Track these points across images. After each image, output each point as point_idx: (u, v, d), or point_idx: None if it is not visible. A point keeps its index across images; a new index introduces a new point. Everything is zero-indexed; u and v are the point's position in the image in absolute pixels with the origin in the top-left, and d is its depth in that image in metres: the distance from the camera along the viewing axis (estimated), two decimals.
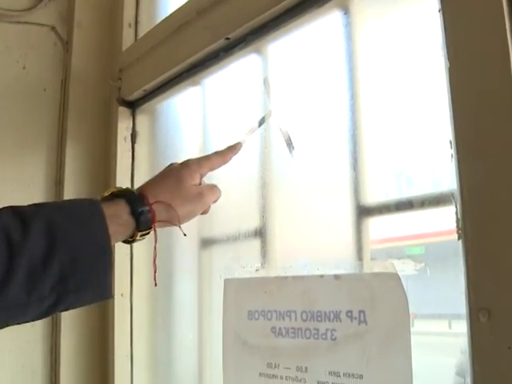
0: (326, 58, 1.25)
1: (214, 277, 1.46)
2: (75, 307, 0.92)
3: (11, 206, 0.88)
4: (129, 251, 1.71)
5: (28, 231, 0.82)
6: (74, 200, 0.98)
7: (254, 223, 1.34)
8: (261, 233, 1.32)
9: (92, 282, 0.89)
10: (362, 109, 1.16)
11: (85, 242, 0.87)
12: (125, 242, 1.03)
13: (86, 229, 0.88)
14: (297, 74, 1.30)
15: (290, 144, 1.26)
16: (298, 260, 1.22)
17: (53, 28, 1.89)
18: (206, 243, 1.52)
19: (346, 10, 1.21)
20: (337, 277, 1.07)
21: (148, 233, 1.04)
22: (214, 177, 1.46)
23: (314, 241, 1.20)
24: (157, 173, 1.17)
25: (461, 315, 0.88)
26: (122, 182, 1.72)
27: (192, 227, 1.54)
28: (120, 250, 1.68)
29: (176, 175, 1.11)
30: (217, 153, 1.21)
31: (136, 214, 0.99)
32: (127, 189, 1.05)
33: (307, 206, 1.23)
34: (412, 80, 1.09)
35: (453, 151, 0.90)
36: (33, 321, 0.87)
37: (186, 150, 1.64)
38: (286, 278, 1.16)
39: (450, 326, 1.10)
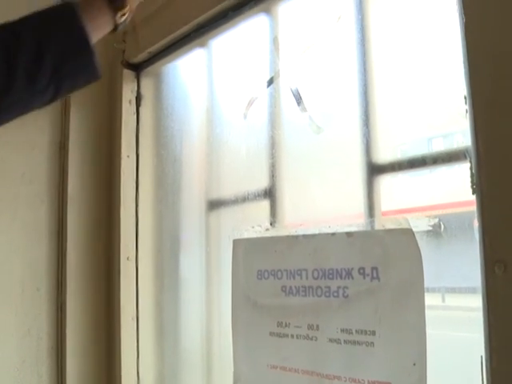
0: (336, 17, 1.23)
1: (222, 238, 1.46)
2: (73, 91, 1.10)
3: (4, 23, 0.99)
4: (134, 214, 1.70)
5: (19, 38, 0.96)
6: (54, 8, 1.05)
7: (263, 183, 1.33)
8: (270, 192, 1.31)
9: (80, 69, 1.04)
10: (373, 65, 1.15)
11: (66, 39, 1.01)
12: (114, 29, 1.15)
13: (65, 28, 1.02)
14: (307, 35, 1.28)
15: (297, 97, 1.25)
16: (309, 218, 1.21)
17: None
18: (214, 205, 1.51)
19: None
20: (349, 234, 1.06)
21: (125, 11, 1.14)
22: (222, 137, 1.45)
23: (324, 199, 1.20)
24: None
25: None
26: (128, 145, 1.71)
27: (200, 188, 1.54)
28: (126, 213, 1.68)
29: None
30: None
31: None
32: None
33: (317, 164, 1.22)
34: (424, 36, 1.08)
35: (468, 107, 0.89)
36: (43, 107, 1.05)
37: (191, 112, 1.63)
38: (296, 236, 1.16)
39: (443, 300, 1.10)
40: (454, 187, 1.01)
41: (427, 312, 0.94)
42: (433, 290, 1.02)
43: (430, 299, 0.95)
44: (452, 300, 1.09)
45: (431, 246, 1.01)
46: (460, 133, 0.96)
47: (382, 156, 1.11)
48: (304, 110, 1.24)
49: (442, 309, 1.12)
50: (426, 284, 0.95)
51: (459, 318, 1.07)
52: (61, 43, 1.00)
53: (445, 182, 1.07)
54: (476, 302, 0.87)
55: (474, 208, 0.88)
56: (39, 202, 1.71)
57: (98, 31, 1.09)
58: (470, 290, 0.94)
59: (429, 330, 0.94)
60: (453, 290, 1.10)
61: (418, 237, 0.96)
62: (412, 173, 1.11)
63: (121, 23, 1.14)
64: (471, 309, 0.93)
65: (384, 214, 1.11)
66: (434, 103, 1.07)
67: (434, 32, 1.06)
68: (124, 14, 1.14)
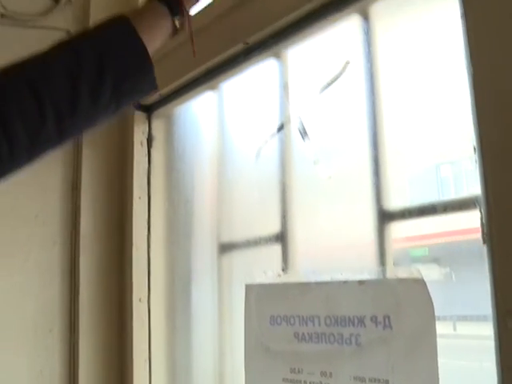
0: (344, 62, 1.25)
1: (234, 281, 1.46)
2: (135, 101, 1.19)
3: (60, 43, 1.04)
4: (146, 256, 1.71)
5: (80, 60, 0.99)
6: (109, 24, 1.09)
7: (274, 228, 1.34)
8: (282, 237, 1.32)
9: (139, 83, 1.08)
10: (383, 113, 1.16)
11: (126, 56, 1.04)
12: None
13: (124, 46, 1.05)
14: (316, 80, 1.30)
15: (302, 129, 1.26)
16: (320, 265, 1.22)
17: (68, 32, 1.89)
18: (226, 248, 1.52)
19: (365, 15, 1.21)
20: (361, 282, 1.07)
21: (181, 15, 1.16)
22: (233, 180, 1.46)
23: (336, 246, 1.20)
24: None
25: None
26: (139, 187, 1.72)
27: (212, 231, 1.55)
28: (138, 255, 1.68)
29: None
30: None
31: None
32: None
33: (328, 210, 1.23)
34: (434, 85, 1.09)
35: (477, 157, 0.89)
36: (107, 121, 1.08)
37: (203, 154, 1.64)
38: (308, 283, 1.16)
39: (454, 328, 1.11)
40: (464, 213, 1.01)
41: (438, 341, 0.94)
42: (444, 319, 1.02)
43: (441, 328, 0.95)
44: (463, 328, 1.09)
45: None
46: (468, 159, 0.96)
47: (393, 203, 1.12)
48: (309, 141, 1.26)
49: (454, 337, 1.12)
50: (437, 312, 0.95)
51: (471, 346, 1.07)
52: (120, 60, 1.03)
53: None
54: (487, 330, 0.87)
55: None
56: (52, 243, 1.72)
57: (156, 39, 1.12)
58: (481, 318, 0.94)
59: (440, 360, 0.94)
60: (464, 318, 1.11)
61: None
62: (422, 199, 1.13)
63: (179, 29, 1.16)
64: (483, 337, 0.93)
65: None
66: (442, 131, 1.08)
67: (442, 76, 1.08)
68: (181, 18, 1.16)
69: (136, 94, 1.10)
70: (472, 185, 0.93)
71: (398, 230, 1.12)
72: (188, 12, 1.17)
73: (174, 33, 1.16)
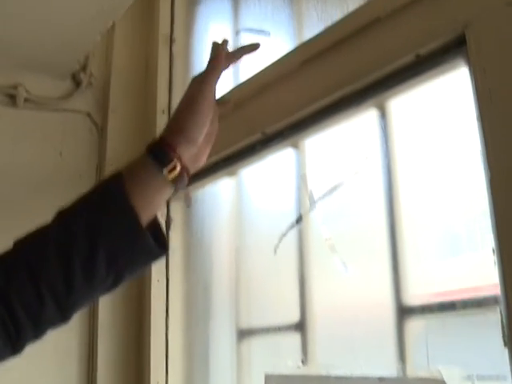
0: (362, 156, 1.27)
1: (253, 369, 1.46)
2: (137, 272, 1.06)
3: (57, 216, 1.01)
4: (164, 339, 1.71)
5: (73, 240, 0.96)
6: (101, 193, 1.04)
7: (293, 316, 1.34)
8: (301, 327, 1.32)
9: (136, 255, 1.02)
10: (401, 209, 1.17)
11: (118, 229, 0.99)
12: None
13: (117, 219, 0.99)
14: (333, 171, 1.32)
15: (311, 199, 1.29)
16: (340, 356, 1.22)
17: (88, 114, 1.94)
18: (245, 334, 1.52)
19: (382, 110, 1.23)
20: (381, 379, 1.07)
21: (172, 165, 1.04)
22: (251, 266, 1.47)
23: (355, 338, 1.20)
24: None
25: None
26: (158, 269, 1.73)
27: (230, 317, 1.55)
28: (156, 338, 1.69)
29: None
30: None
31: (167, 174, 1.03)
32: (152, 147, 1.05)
33: (348, 302, 1.23)
34: (452, 183, 1.11)
35: (496, 258, 0.90)
36: (105, 294, 1.05)
37: (221, 238, 1.66)
38: (328, 377, 1.16)
39: None
40: (480, 272, 1.01)
41: None
42: (463, 378, 1.02)
43: None
44: None
45: (458, 331, 1.01)
46: (482, 215, 0.96)
47: (413, 299, 1.12)
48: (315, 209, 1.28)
49: None
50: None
51: None
52: (111, 235, 0.98)
53: (470, 268, 1.08)
54: None
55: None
56: (70, 326, 1.72)
57: (155, 202, 1.04)
58: (501, 378, 0.93)
59: None
60: (482, 378, 1.09)
61: None
62: (437, 257, 1.13)
63: (178, 182, 1.04)
64: None
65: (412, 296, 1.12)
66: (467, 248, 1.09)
67: (463, 181, 1.09)
68: (174, 169, 1.02)
69: (136, 267, 1.04)
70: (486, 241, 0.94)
71: (417, 327, 1.12)
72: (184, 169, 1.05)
73: (176, 189, 1.06)
